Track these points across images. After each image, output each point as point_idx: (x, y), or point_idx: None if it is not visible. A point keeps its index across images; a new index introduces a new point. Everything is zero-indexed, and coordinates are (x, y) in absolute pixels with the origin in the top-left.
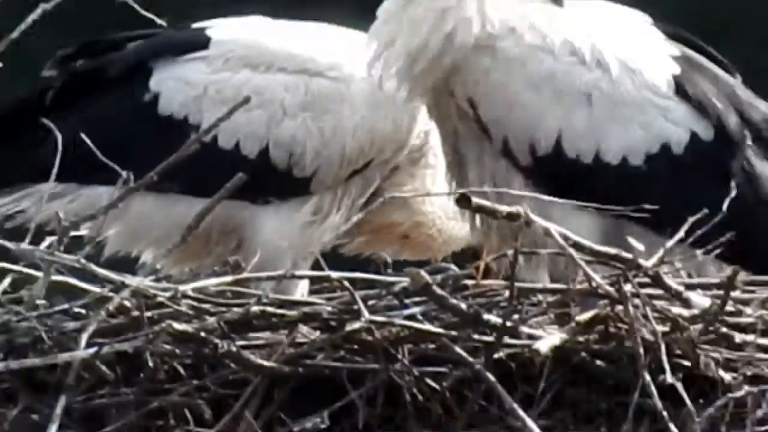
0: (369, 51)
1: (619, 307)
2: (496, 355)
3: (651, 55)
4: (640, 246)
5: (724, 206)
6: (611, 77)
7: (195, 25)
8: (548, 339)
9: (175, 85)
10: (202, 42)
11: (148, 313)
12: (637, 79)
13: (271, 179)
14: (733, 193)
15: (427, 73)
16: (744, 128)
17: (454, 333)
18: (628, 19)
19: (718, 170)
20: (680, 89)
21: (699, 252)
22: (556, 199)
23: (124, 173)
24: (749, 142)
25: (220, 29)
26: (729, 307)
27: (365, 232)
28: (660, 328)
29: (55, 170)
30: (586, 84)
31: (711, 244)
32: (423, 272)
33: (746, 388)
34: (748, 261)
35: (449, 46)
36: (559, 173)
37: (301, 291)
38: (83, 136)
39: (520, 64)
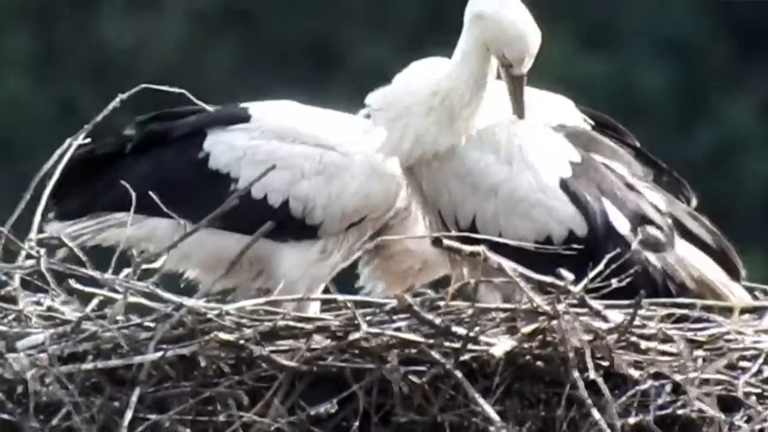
0: (372, 133)
1: (554, 322)
2: (462, 358)
3: (550, 157)
4: (570, 276)
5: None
6: (514, 178)
7: (241, 105)
8: (501, 345)
9: (222, 148)
10: (244, 117)
11: (201, 326)
12: (534, 181)
13: (290, 224)
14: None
15: (404, 160)
16: (609, 225)
17: (430, 341)
18: (550, 112)
19: (587, 258)
20: (567, 191)
21: (614, 281)
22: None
23: (181, 221)
24: (617, 232)
25: (259, 108)
26: (636, 322)
27: (391, 280)
28: (585, 337)
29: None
30: (496, 181)
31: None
32: (406, 295)
33: (650, 382)
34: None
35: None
36: (477, 241)
37: (314, 310)
38: (146, 185)
39: (450, 161)
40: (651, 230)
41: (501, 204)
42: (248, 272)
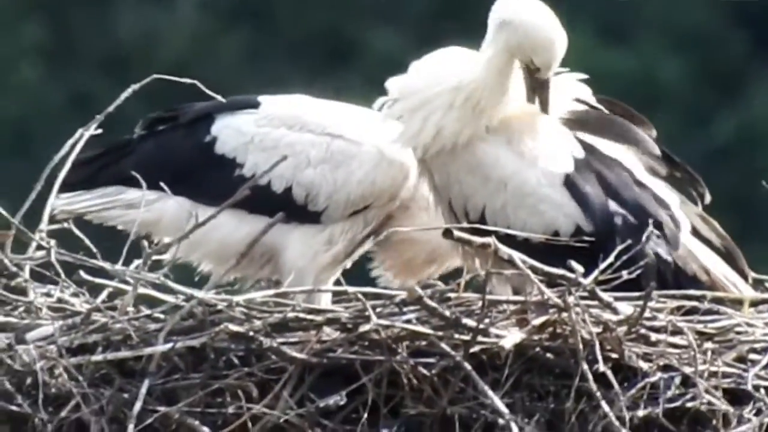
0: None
1: (564, 314)
2: (471, 350)
3: (556, 155)
4: (580, 268)
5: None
6: (523, 172)
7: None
8: (511, 337)
9: (230, 132)
10: (253, 104)
11: (211, 318)
12: (542, 177)
13: (292, 210)
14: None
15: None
16: (616, 221)
17: (440, 333)
18: (560, 98)
19: (597, 251)
20: (571, 187)
21: (624, 273)
22: (521, 233)
23: (190, 207)
24: (622, 231)
25: (268, 98)
26: (646, 314)
27: (398, 270)
28: (595, 330)
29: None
30: (505, 175)
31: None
32: (417, 287)
33: (659, 374)
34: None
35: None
36: (486, 233)
37: (326, 301)
38: (152, 164)
39: (462, 152)
40: (657, 227)
41: (510, 197)
42: (257, 261)
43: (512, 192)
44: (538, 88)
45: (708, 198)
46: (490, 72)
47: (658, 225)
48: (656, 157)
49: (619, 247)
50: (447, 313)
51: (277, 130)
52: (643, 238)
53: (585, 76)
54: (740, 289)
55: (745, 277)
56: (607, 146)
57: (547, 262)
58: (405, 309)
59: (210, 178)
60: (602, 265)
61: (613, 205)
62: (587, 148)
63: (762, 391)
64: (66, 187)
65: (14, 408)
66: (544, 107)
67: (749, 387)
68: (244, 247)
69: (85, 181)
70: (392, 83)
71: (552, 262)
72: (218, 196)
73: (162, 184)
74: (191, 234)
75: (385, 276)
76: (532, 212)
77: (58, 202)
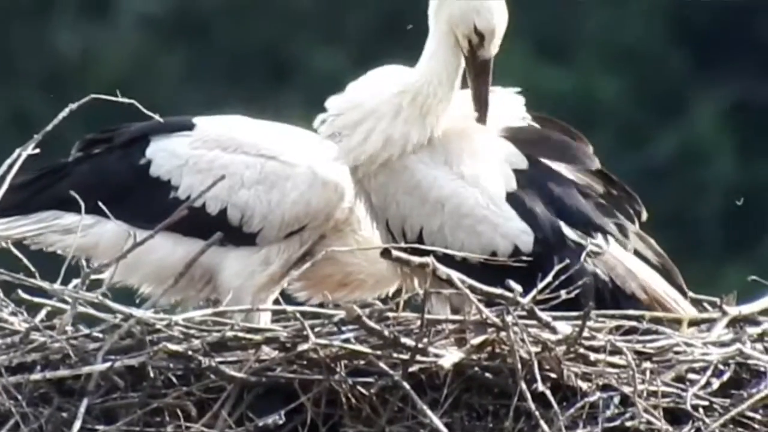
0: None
1: (503, 333)
2: (410, 369)
3: (498, 169)
4: (518, 287)
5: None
6: (461, 193)
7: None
8: (450, 357)
9: (164, 155)
10: (188, 126)
11: (149, 337)
12: (480, 196)
13: (227, 232)
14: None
15: (355, 163)
16: (557, 237)
17: (378, 352)
18: (496, 114)
19: (536, 270)
20: (513, 202)
21: (563, 292)
22: (458, 253)
23: (130, 231)
24: (562, 247)
25: (204, 120)
26: (585, 334)
27: (309, 284)
28: (533, 349)
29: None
30: (442, 195)
31: (570, 287)
32: (355, 306)
33: (598, 394)
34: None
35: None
36: (424, 253)
37: (265, 320)
38: (88, 187)
39: (400, 173)
40: (601, 237)
41: (447, 218)
42: (195, 282)
43: (449, 213)
44: (480, 73)
45: (645, 216)
46: (436, 63)
47: (606, 235)
48: (592, 174)
49: (557, 267)
50: (386, 332)
51: (211, 152)
52: (582, 256)
53: (518, 89)
54: (681, 306)
55: (684, 293)
56: (544, 156)
57: (487, 282)
58: (344, 328)
59: (146, 201)
60: (540, 285)
61: (557, 219)
62: (530, 159)
63: (701, 410)
64: (1, 212)
65: None
66: (482, 109)
67: (688, 406)
68: (181, 269)
69: (20, 205)
70: (332, 101)
71: (491, 281)
72: (154, 219)
73: (99, 207)
74: (129, 256)
75: (292, 286)
76: (469, 233)
77: None
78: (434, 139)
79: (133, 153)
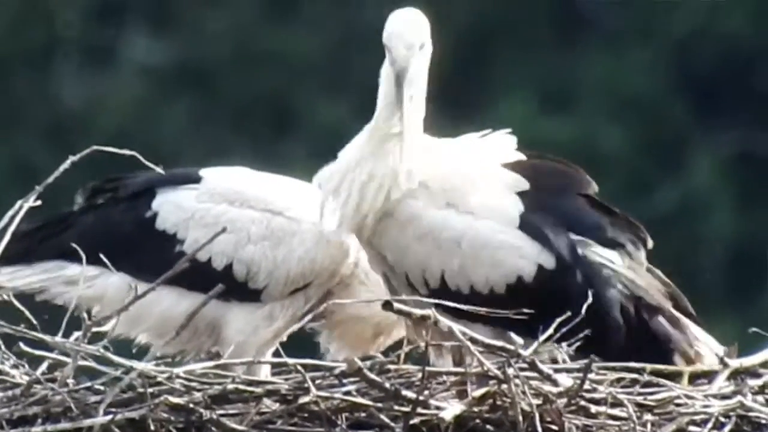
0: (318, 201)
1: (504, 386)
2: (411, 422)
3: (502, 197)
4: (520, 340)
5: (583, 310)
6: (473, 226)
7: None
8: (451, 409)
9: (170, 208)
10: (194, 179)
11: (150, 390)
12: (493, 223)
13: (233, 287)
14: (588, 301)
15: (355, 224)
16: (575, 252)
17: (380, 404)
18: (489, 151)
19: (561, 288)
20: (525, 226)
21: (564, 345)
22: (462, 306)
23: (132, 284)
24: (582, 261)
25: (210, 172)
26: (586, 386)
27: (346, 345)
28: (535, 401)
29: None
30: (456, 233)
31: (571, 340)
32: (356, 359)
33: None
34: (602, 351)
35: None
36: (449, 298)
37: (265, 373)
38: (93, 238)
39: (408, 223)
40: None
41: (466, 255)
42: (199, 335)
43: (467, 248)
44: (396, 86)
45: (650, 243)
46: (381, 91)
47: (621, 246)
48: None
49: (559, 319)
50: (387, 384)
51: (218, 206)
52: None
53: (509, 130)
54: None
55: (694, 320)
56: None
57: (515, 310)
58: (345, 380)
59: (151, 254)
60: (542, 337)
61: (572, 235)
62: (530, 181)
63: None
64: (5, 260)
65: None
66: (402, 115)
67: None
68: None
69: (24, 255)
70: (320, 173)
71: (519, 310)
72: (159, 271)
73: (103, 259)
74: (132, 309)
75: (329, 347)
76: (491, 264)
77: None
78: (430, 185)
79: (139, 205)
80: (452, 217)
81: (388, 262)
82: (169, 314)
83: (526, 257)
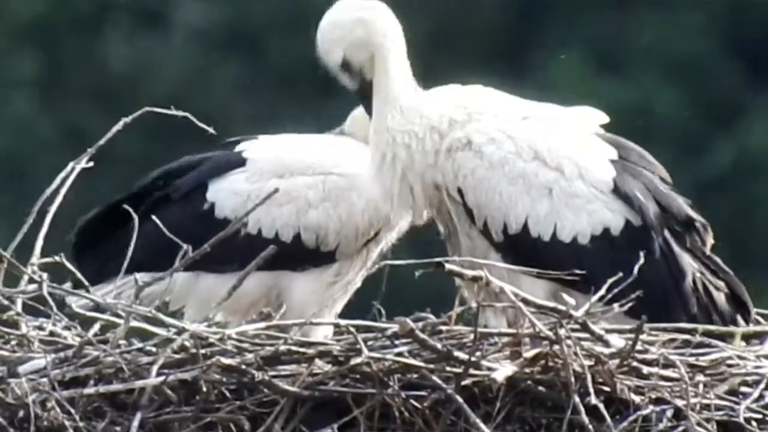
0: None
1: (556, 347)
2: (463, 383)
3: (595, 159)
4: (572, 301)
5: (635, 270)
6: (566, 177)
7: (231, 140)
8: (503, 370)
9: (225, 195)
10: (239, 161)
11: (203, 351)
12: (586, 179)
13: (305, 255)
14: (639, 263)
15: (420, 172)
16: (662, 218)
17: (431, 366)
18: (579, 124)
19: (643, 248)
20: (616, 188)
21: (616, 306)
22: (513, 267)
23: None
24: (666, 228)
25: (252, 150)
26: (638, 347)
27: None
28: (586, 363)
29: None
30: (548, 181)
31: (625, 300)
32: (408, 320)
33: (651, 407)
34: (656, 313)
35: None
36: (523, 248)
37: (324, 333)
38: (159, 244)
39: (500, 165)
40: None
41: (556, 201)
42: (266, 306)
43: (558, 195)
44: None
45: (711, 240)
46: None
47: (695, 228)
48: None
49: (611, 280)
50: (438, 345)
51: (269, 181)
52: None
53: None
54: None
55: (747, 310)
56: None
57: (599, 262)
58: (396, 342)
59: (218, 244)
60: (594, 297)
61: (650, 205)
62: (618, 147)
63: (753, 423)
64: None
65: None
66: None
67: (741, 420)
68: (255, 297)
69: (96, 275)
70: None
71: (602, 261)
72: (230, 259)
73: (174, 263)
74: (205, 292)
75: None
76: (579, 213)
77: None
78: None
79: (195, 200)
80: (543, 167)
81: (467, 205)
82: (242, 291)
83: (616, 211)
